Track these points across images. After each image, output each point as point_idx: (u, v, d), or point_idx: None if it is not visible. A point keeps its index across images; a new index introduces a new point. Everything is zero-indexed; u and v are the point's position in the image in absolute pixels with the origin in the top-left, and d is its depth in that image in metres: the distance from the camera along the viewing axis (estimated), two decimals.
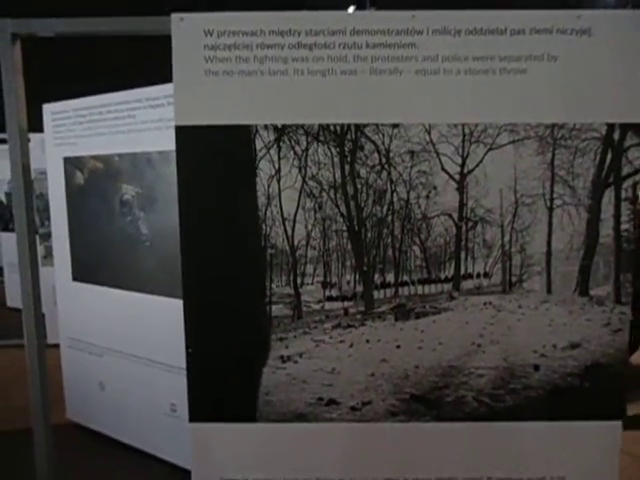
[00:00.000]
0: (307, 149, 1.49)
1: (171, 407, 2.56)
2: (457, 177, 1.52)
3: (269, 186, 1.51)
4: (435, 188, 1.52)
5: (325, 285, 1.57)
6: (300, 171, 1.51)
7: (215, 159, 1.50)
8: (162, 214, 2.45)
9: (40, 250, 4.13)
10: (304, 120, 1.48)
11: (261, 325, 1.55)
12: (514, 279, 1.56)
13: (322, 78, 1.45)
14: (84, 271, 2.86)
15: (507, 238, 1.54)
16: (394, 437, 1.57)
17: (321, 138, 1.49)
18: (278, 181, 1.51)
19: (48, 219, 3.24)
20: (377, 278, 1.56)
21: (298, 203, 1.52)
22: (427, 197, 1.52)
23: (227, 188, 1.51)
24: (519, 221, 1.53)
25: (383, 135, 1.48)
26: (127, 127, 2.50)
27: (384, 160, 1.50)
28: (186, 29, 1.44)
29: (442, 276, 1.57)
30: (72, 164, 2.79)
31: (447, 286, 1.57)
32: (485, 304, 1.56)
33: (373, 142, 1.49)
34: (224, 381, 1.57)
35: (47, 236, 3.96)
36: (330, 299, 1.57)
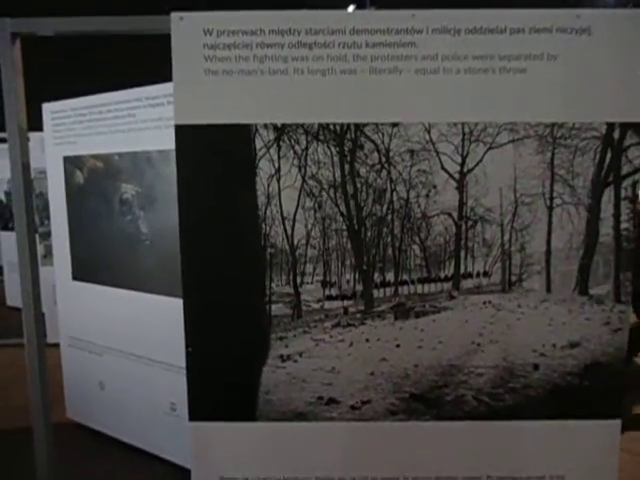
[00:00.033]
0: (307, 148, 1.49)
1: (171, 406, 2.56)
2: (457, 176, 1.52)
3: (269, 185, 1.51)
4: (435, 187, 1.52)
5: (325, 284, 1.57)
6: (300, 170, 1.51)
7: (215, 158, 1.50)
8: (162, 213, 2.45)
9: (40, 249, 4.13)
10: (304, 119, 1.48)
11: (261, 324, 1.55)
12: (514, 278, 1.56)
13: (322, 77, 1.45)
14: (84, 270, 2.86)
15: (507, 237, 1.54)
16: (394, 436, 1.58)
17: (321, 137, 1.49)
18: (278, 180, 1.51)
19: (48, 218, 3.24)
20: (377, 277, 1.56)
21: (298, 202, 1.52)
22: (427, 196, 1.53)
23: (227, 187, 1.51)
24: (519, 220, 1.53)
25: (383, 134, 1.48)
26: (127, 126, 2.50)
27: (384, 159, 1.50)
28: (186, 28, 1.43)
29: (442, 275, 1.57)
30: (72, 163, 2.79)
31: (447, 285, 1.57)
32: (485, 303, 1.57)
33: (373, 141, 1.49)
34: (224, 380, 1.57)
35: (47, 235, 3.96)
36: (330, 298, 1.57)
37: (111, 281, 2.71)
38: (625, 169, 1.50)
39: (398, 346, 1.56)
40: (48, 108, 2.87)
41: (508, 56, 1.44)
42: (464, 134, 1.48)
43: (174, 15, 1.44)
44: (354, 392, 1.56)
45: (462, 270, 1.57)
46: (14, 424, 2.89)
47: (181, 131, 1.48)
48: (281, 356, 1.55)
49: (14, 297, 5.07)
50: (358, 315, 1.57)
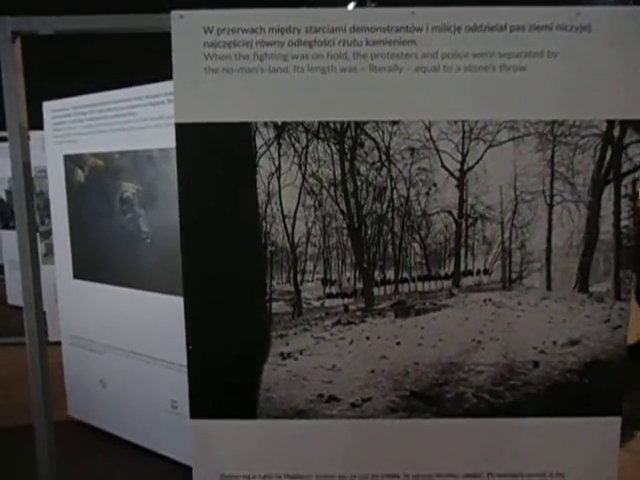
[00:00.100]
0: (307, 146, 1.49)
1: (172, 404, 2.56)
2: (457, 174, 1.52)
3: (269, 183, 1.51)
4: (435, 185, 1.52)
5: (325, 282, 1.57)
6: (300, 168, 1.51)
7: (215, 156, 1.50)
8: (162, 211, 2.45)
9: (41, 248, 4.13)
10: (304, 117, 1.48)
11: (261, 322, 1.55)
12: (514, 276, 1.56)
13: (322, 75, 1.45)
14: (85, 269, 2.86)
15: (507, 235, 1.54)
16: (394, 433, 1.58)
17: (321, 135, 1.49)
18: (278, 178, 1.51)
19: (48, 217, 3.24)
20: (377, 275, 1.56)
21: (298, 200, 1.52)
22: (427, 194, 1.53)
23: (227, 185, 1.51)
24: (519, 218, 1.53)
25: (383, 132, 1.48)
26: (127, 124, 2.50)
27: (384, 157, 1.50)
28: (186, 26, 1.44)
29: (442, 273, 1.57)
30: (72, 162, 2.79)
31: (447, 283, 1.58)
32: (485, 301, 1.57)
33: (373, 139, 1.49)
34: (225, 378, 1.58)
35: (48, 234, 3.97)
36: (330, 296, 1.57)
37: (112, 279, 2.72)
38: (625, 167, 1.50)
39: (398, 344, 1.56)
40: (49, 107, 2.87)
41: (508, 54, 1.44)
42: (464, 132, 1.48)
43: (174, 13, 1.44)
44: (354, 390, 1.56)
45: (462, 268, 1.57)
46: (15, 422, 2.90)
47: (181, 129, 1.48)
48: (282, 354, 1.56)
49: (15, 296, 5.08)
50: (358, 313, 1.57)
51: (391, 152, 1.50)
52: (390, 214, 1.53)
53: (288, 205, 1.52)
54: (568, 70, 1.44)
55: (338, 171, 1.51)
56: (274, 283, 1.55)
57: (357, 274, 1.56)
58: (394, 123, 1.48)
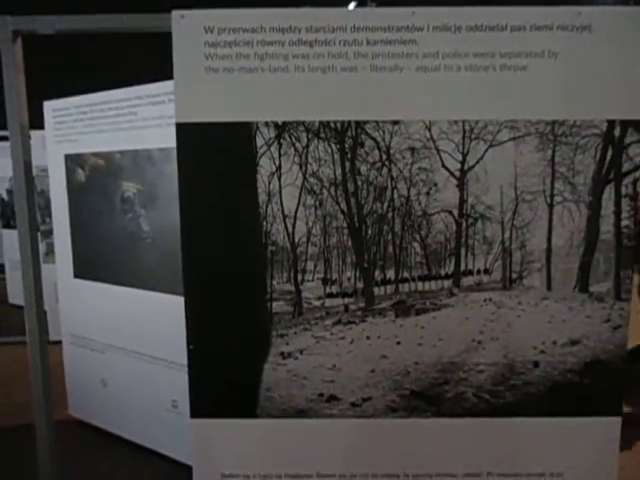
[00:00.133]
0: (308, 146, 1.49)
1: (172, 403, 2.57)
2: (457, 174, 1.52)
3: (270, 183, 1.51)
4: (435, 185, 1.53)
5: (326, 282, 1.57)
6: (301, 168, 1.51)
7: (216, 156, 1.50)
8: (163, 211, 2.46)
9: (42, 247, 4.14)
10: (305, 117, 1.48)
11: (262, 322, 1.56)
12: (514, 276, 1.56)
13: (322, 75, 1.45)
14: (86, 268, 2.87)
15: (507, 235, 1.55)
16: (394, 433, 1.58)
17: (322, 135, 1.49)
18: (279, 178, 1.51)
19: (49, 216, 3.25)
20: (377, 275, 1.56)
21: (299, 200, 1.52)
22: (427, 194, 1.53)
23: (228, 185, 1.51)
24: (519, 218, 1.53)
25: (383, 132, 1.48)
26: (128, 124, 2.50)
27: (384, 157, 1.50)
28: (187, 26, 1.44)
29: (442, 273, 1.57)
30: (73, 161, 2.79)
31: (447, 282, 1.58)
32: (485, 300, 1.57)
33: (373, 139, 1.49)
34: (225, 377, 1.58)
35: (48, 233, 3.97)
36: (330, 296, 1.58)
37: (113, 279, 2.72)
38: (626, 166, 1.50)
39: (399, 343, 1.56)
40: (49, 106, 2.88)
41: (509, 53, 1.44)
42: (465, 132, 1.48)
43: (175, 13, 1.44)
44: (355, 389, 1.56)
45: (462, 267, 1.57)
46: (16, 421, 2.90)
47: (182, 129, 1.48)
48: (282, 353, 1.56)
49: (16, 295, 5.09)
50: (359, 312, 1.57)
51: (392, 152, 1.50)
52: (390, 214, 1.53)
53: (289, 205, 1.52)
54: (569, 70, 1.44)
55: (339, 171, 1.51)
56: (274, 283, 1.55)
57: (357, 274, 1.56)
58: (395, 123, 1.48)
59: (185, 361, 1.56)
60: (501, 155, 1.50)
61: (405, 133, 1.48)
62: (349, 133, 1.49)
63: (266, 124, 1.48)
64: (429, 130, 1.48)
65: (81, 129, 2.72)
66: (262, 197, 1.51)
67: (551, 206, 1.52)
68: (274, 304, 1.55)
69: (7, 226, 5.45)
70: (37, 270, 1.73)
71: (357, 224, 1.53)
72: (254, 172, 1.50)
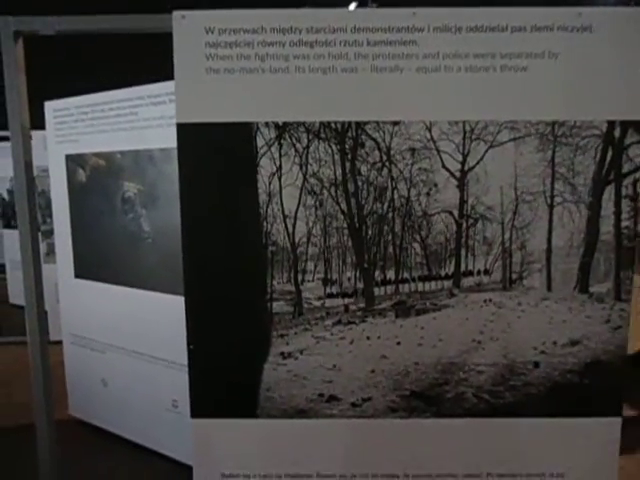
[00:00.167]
0: (308, 146, 1.50)
1: (173, 403, 2.57)
2: (458, 174, 1.52)
3: (270, 183, 1.51)
4: (436, 185, 1.53)
5: (326, 282, 1.57)
6: (301, 168, 1.51)
7: (216, 156, 1.50)
8: (164, 211, 2.46)
9: (42, 247, 4.14)
10: (305, 117, 1.48)
11: (262, 322, 1.56)
12: (514, 276, 1.56)
13: (323, 76, 1.45)
14: (86, 268, 2.87)
15: (507, 235, 1.55)
16: (394, 433, 1.58)
17: (322, 135, 1.49)
18: (279, 178, 1.51)
19: (50, 216, 3.25)
20: (378, 275, 1.57)
21: (299, 200, 1.53)
22: (428, 194, 1.53)
23: (228, 185, 1.51)
24: (519, 218, 1.53)
25: (384, 132, 1.49)
26: (129, 124, 2.51)
27: (385, 157, 1.51)
28: (187, 27, 1.44)
29: (442, 273, 1.58)
30: (74, 161, 2.79)
31: (447, 283, 1.58)
32: (485, 301, 1.57)
33: (374, 139, 1.49)
34: (225, 377, 1.58)
35: (49, 233, 3.98)
36: (331, 296, 1.58)
37: (113, 279, 2.72)
38: (626, 167, 1.50)
39: (399, 344, 1.57)
40: (50, 106, 2.88)
41: (509, 54, 1.44)
42: (465, 132, 1.48)
43: (176, 14, 1.44)
44: (355, 389, 1.57)
45: (463, 268, 1.57)
46: (17, 421, 2.91)
47: (183, 129, 1.48)
48: (282, 353, 1.56)
49: (17, 295, 5.09)
50: (359, 313, 1.58)
51: (392, 152, 1.50)
52: (391, 214, 1.53)
53: (289, 205, 1.52)
54: (569, 71, 1.44)
55: (339, 171, 1.51)
56: (275, 283, 1.55)
57: (358, 274, 1.56)
58: (395, 123, 1.48)
59: (185, 361, 1.57)
60: (501, 156, 1.50)
61: (405, 134, 1.49)
62: (349, 134, 1.49)
63: (266, 124, 1.48)
64: (429, 131, 1.48)
65: (82, 129, 2.72)
66: (262, 197, 1.51)
67: (551, 207, 1.52)
68: (274, 304, 1.55)
69: (8, 226, 5.45)
70: (38, 270, 1.73)
71: (357, 224, 1.54)
72: (254, 172, 1.50)
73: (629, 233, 1.52)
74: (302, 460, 1.61)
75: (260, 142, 1.49)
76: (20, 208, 1.68)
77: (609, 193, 1.51)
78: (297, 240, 1.54)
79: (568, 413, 1.57)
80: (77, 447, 2.72)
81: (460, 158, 1.51)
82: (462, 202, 1.54)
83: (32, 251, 1.70)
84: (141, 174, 2.51)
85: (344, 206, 1.53)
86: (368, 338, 1.57)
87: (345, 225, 1.54)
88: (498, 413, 1.56)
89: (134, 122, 2.48)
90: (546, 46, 1.43)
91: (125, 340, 2.72)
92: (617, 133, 1.47)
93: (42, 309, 1.77)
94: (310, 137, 1.49)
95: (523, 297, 1.56)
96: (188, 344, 1.56)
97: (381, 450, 1.61)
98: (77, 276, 2.90)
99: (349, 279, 1.57)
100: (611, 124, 1.47)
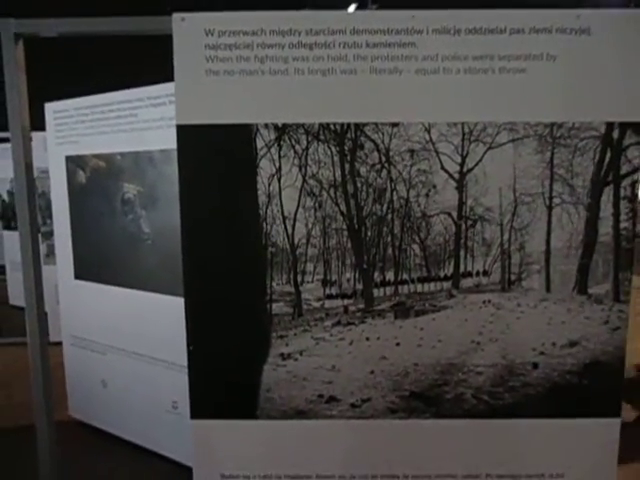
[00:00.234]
0: (307, 148, 1.50)
1: (172, 404, 2.57)
2: (456, 176, 1.53)
3: (270, 185, 1.51)
4: (435, 187, 1.53)
5: (325, 283, 1.58)
6: (300, 170, 1.51)
7: (216, 158, 1.51)
8: (164, 213, 2.46)
9: (42, 248, 4.15)
10: (304, 119, 1.48)
11: (262, 323, 1.56)
12: (513, 277, 1.57)
13: (322, 77, 1.46)
14: (86, 269, 2.87)
15: (506, 237, 1.55)
16: (394, 434, 1.58)
17: (321, 137, 1.49)
18: (279, 180, 1.51)
19: (50, 217, 3.26)
20: (377, 276, 1.57)
21: (298, 202, 1.53)
22: (427, 196, 1.53)
23: (228, 187, 1.52)
24: (518, 220, 1.54)
25: (383, 134, 1.49)
26: (129, 126, 2.51)
27: (384, 159, 1.51)
28: (187, 29, 1.44)
29: (441, 274, 1.58)
30: (74, 163, 2.80)
31: (446, 284, 1.58)
32: (484, 302, 1.57)
33: (373, 141, 1.50)
34: (225, 378, 1.58)
35: (49, 234, 3.98)
36: (330, 297, 1.58)
37: (113, 280, 2.73)
38: (624, 168, 1.50)
39: (398, 345, 1.57)
40: (51, 108, 2.89)
41: (508, 56, 1.44)
42: (464, 134, 1.49)
43: (175, 16, 1.45)
44: (354, 390, 1.57)
45: (462, 269, 1.57)
46: (17, 422, 2.91)
47: (183, 131, 1.49)
48: (282, 354, 1.56)
49: (17, 296, 5.10)
50: (358, 314, 1.58)
51: (391, 154, 1.50)
52: (390, 215, 1.53)
53: (288, 206, 1.53)
54: (567, 73, 1.45)
55: (338, 173, 1.52)
56: (274, 284, 1.55)
57: (357, 275, 1.57)
58: (394, 125, 1.48)
59: (185, 362, 1.57)
60: (500, 157, 1.50)
61: (404, 135, 1.49)
62: (349, 135, 1.49)
63: (266, 126, 1.48)
64: (428, 132, 1.49)
65: (82, 131, 2.73)
66: (262, 199, 1.52)
67: (550, 208, 1.52)
68: (274, 305, 1.56)
69: (8, 227, 5.46)
70: (38, 271, 1.74)
71: (356, 226, 1.54)
72: (254, 174, 1.51)
73: (628, 234, 1.53)
74: (302, 461, 1.62)
75: (260, 143, 1.49)
76: (20, 209, 1.69)
77: (608, 194, 1.51)
78: (296, 241, 1.54)
79: (567, 414, 1.58)
80: (77, 448, 2.72)
81: (459, 159, 1.51)
82: (461, 203, 1.54)
83: (32, 252, 1.71)
84: (141, 175, 2.52)
85: (343, 207, 1.53)
86: (367, 339, 1.57)
87: (344, 226, 1.54)
88: (497, 414, 1.57)
89: (134, 123, 2.49)
90: (544, 48, 1.44)
91: (125, 341, 2.72)
92: (615, 134, 1.48)
93: (42, 310, 1.77)
94: (309, 138, 1.49)
95: (522, 298, 1.57)
96: (188, 345, 1.56)
97: (381, 451, 1.61)
98: (77, 277, 2.91)
99: (348, 280, 1.57)
100: (609, 125, 1.47)
